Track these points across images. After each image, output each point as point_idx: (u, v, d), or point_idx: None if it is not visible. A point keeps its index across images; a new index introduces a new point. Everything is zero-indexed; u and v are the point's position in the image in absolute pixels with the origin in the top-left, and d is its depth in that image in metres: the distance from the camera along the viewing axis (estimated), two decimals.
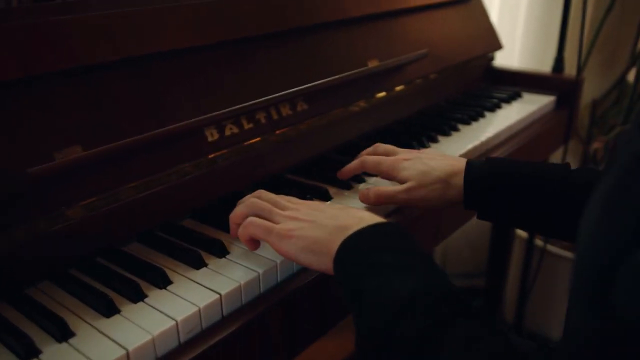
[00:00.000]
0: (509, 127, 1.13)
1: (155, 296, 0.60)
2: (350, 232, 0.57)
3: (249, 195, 0.69)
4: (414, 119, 1.15)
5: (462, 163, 0.77)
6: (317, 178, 0.87)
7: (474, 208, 0.76)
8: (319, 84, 0.89)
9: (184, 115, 0.74)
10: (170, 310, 0.57)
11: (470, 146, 1.02)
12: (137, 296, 0.59)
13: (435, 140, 1.04)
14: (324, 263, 0.58)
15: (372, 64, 1.03)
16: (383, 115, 1.09)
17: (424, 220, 0.86)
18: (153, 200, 0.71)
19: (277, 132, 0.86)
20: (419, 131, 1.05)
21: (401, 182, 0.78)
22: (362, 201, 0.78)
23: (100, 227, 0.67)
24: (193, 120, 0.73)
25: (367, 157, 0.82)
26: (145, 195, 0.70)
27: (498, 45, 1.42)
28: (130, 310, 0.58)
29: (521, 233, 1.68)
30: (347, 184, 0.85)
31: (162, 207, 0.73)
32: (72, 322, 0.55)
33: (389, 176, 0.80)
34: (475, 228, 1.69)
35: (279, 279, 0.66)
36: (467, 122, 1.13)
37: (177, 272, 0.64)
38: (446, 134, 1.07)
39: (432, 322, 0.47)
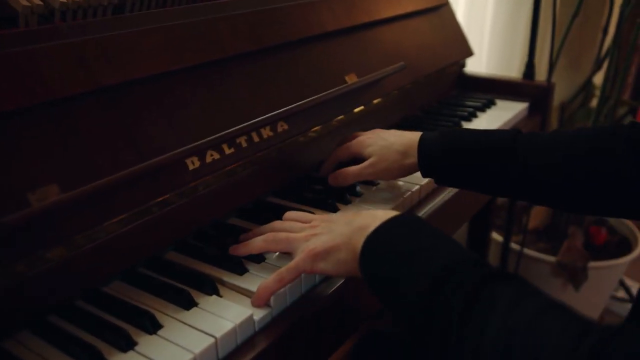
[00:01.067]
0: None
1: (146, 343, 0.56)
2: (370, 230, 0.59)
3: (265, 226, 0.73)
4: None
5: (417, 136, 0.84)
6: (301, 201, 0.85)
7: (430, 176, 0.84)
8: (302, 104, 0.87)
9: (163, 143, 0.71)
10: (164, 359, 0.54)
11: None
12: (127, 345, 0.56)
13: None
14: (348, 268, 0.61)
15: (350, 78, 1.01)
16: (363, 129, 1.07)
17: None
18: (135, 235, 0.68)
19: (259, 154, 0.83)
20: None
21: (367, 157, 0.86)
22: (334, 184, 0.86)
23: (82, 266, 0.63)
24: (174, 152, 0.70)
25: (338, 149, 0.90)
26: (127, 230, 0.67)
27: (469, 52, 1.42)
28: None
29: (497, 237, 1.69)
30: (333, 206, 0.83)
31: (145, 241, 0.70)
32: None
33: (357, 154, 0.88)
34: (451, 231, 1.70)
35: (273, 314, 0.63)
36: None
37: (166, 314, 0.61)
38: None
39: (474, 286, 0.48)
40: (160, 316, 0.60)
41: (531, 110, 1.34)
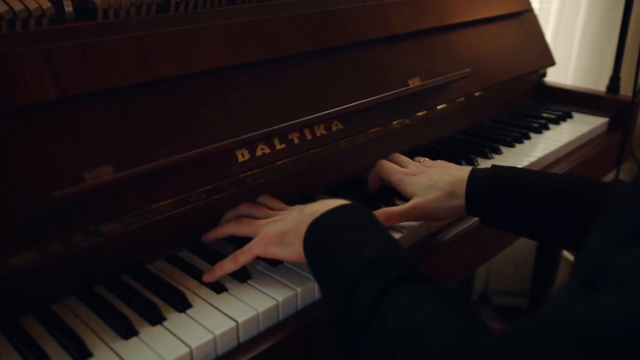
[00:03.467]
0: (555, 151, 1.09)
1: (174, 320, 0.61)
2: (317, 216, 0.62)
3: (230, 212, 0.76)
4: (454, 139, 1.12)
5: (466, 173, 0.78)
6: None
7: (476, 215, 0.79)
8: (356, 105, 0.88)
9: (215, 135, 0.75)
10: (186, 336, 0.58)
11: None
12: (156, 319, 0.60)
13: (473, 163, 1.01)
14: (296, 252, 0.64)
15: (414, 82, 1.01)
16: (423, 135, 1.07)
17: (456, 248, 0.84)
18: (182, 219, 0.72)
19: (311, 152, 0.86)
20: (458, 153, 1.03)
21: (408, 196, 0.81)
22: None
23: (131, 243, 0.68)
24: (225, 142, 0.73)
25: (384, 163, 0.86)
26: (175, 214, 0.71)
27: (550, 62, 1.37)
28: (148, 333, 0.59)
29: (568, 255, 1.62)
30: (377, 207, 0.84)
31: (191, 226, 0.74)
32: (91, 341, 0.57)
33: (397, 188, 0.83)
34: (521, 246, 1.64)
35: (298, 307, 0.66)
36: (509, 144, 1.09)
37: (197, 295, 0.64)
38: (486, 156, 1.04)
39: (385, 284, 0.51)
40: (192, 296, 0.64)
41: (611, 127, 1.27)
